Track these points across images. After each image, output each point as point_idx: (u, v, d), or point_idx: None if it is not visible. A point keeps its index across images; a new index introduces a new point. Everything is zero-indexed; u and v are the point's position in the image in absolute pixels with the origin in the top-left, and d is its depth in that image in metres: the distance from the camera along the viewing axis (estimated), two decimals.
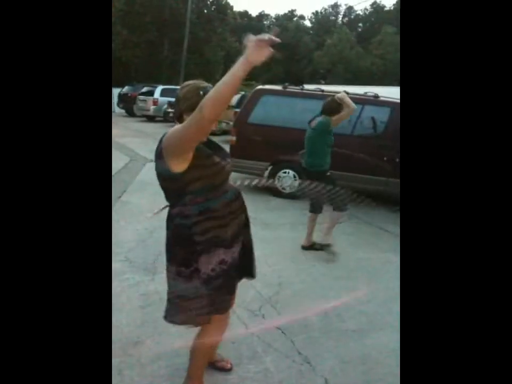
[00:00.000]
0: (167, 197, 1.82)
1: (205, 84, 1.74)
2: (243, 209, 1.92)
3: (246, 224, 1.95)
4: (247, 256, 1.99)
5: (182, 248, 1.77)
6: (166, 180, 1.73)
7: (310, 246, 4.27)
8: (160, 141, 1.70)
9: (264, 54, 1.41)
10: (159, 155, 1.70)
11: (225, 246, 1.79)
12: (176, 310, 1.83)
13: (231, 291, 1.88)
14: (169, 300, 1.86)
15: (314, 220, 4.30)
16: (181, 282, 1.79)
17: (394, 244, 4.64)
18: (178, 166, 1.65)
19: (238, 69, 1.42)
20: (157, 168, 1.74)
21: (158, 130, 13.35)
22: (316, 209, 4.29)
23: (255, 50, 1.39)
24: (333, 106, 4.03)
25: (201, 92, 1.67)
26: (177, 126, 1.65)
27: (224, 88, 1.44)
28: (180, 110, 1.76)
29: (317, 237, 4.32)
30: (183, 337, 2.43)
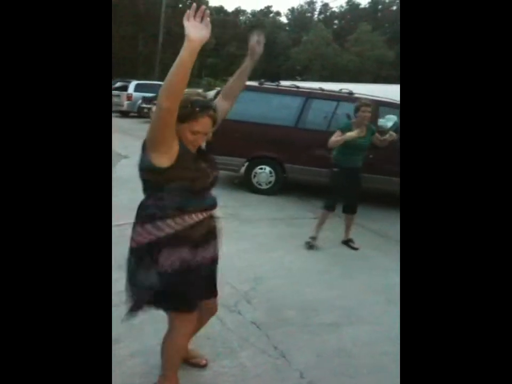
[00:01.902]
0: (145, 188, 1.81)
1: (196, 97, 1.69)
2: (215, 219, 1.91)
3: (216, 236, 1.94)
4: (215, 272, 1.99)
5: (149, 237, 1.75)
6: (147, 171, 1.72)
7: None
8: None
9: (201, 29, 1.47)
10: (143, 147, 1.71)
11: (190, 247, 1.78)
12: (130, 298, 1.83)
13: (191, 294, 1.85)
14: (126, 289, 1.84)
15: (325, 217, 4.39)
16: (140, 269, 1.77)
17: (370, 239, 4.72)
18: (158, 160, 1.65)
19: (182, 51, 1.46)
20: (139, 160, 1.73)
21: (132, 126, 13.15)
22: (328, 206, 4.36)
23: (191, 27, 1.45)
24: (356, 108, 4.19)
25: (189, 105, 1.64)
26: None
27: (174, 75, 1.48)
28: None
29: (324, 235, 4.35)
30: (157, 335, 2.41)
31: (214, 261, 1.94)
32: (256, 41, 1.94)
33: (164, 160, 1.65)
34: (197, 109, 1.65)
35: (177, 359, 2.03)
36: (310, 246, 4.30)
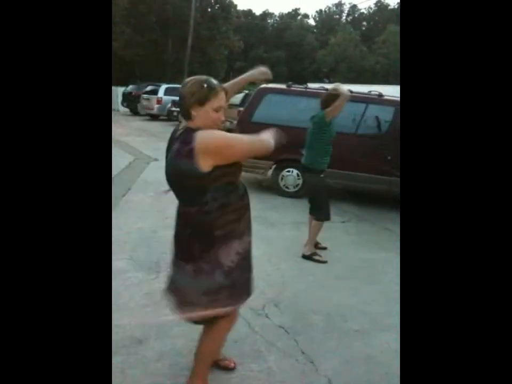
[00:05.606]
0: (184, 194, 1.81)
1: (205, 77, 1.78)
2: (249, 203, 1.94)
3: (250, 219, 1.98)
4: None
5: (202, 244, 1.79)
6: (191, 178, 1.69)
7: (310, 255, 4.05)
8: (184, 141, 1.69)
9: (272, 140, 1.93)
10: (188, 154, 1.66)
11: (239, 238, 1.84)
12: (193, 307, 1.83)
13: (247, 282, 1.93)
14: (183, 299, 1.85)
15: (318, 228, 4.07)
16: (203, 279, 1.79)
17: (396, 243, 4.62)
18: (209, 166, 1.67)
19: (261, 143, 1.90)
20: (180, 166, 1.71)
21: (161, 129, 13.37)
22: (319, 215, 4.05)
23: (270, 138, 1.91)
24: (326, 98, 3.90)
25: (204, 85, 1.72)
26: (222, 133, 1.73)
27: (258, 150, 1.88)
28: (187, 107, 1.74)
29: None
30: (185, 336, 2.44)
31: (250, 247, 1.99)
32: (263, 73, 2.20)
33: (213, 165, 1.67)
34: (212, 86, 1.73)
35: (211, 360, 2.06)
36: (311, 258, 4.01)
